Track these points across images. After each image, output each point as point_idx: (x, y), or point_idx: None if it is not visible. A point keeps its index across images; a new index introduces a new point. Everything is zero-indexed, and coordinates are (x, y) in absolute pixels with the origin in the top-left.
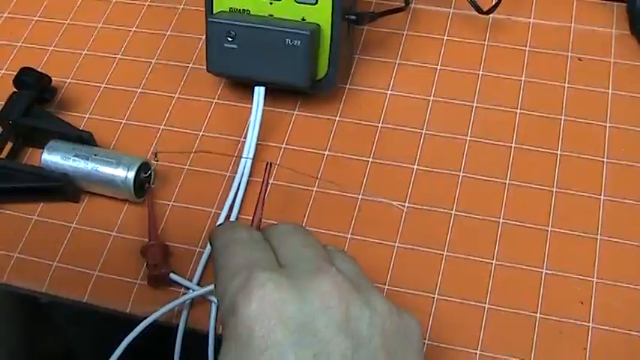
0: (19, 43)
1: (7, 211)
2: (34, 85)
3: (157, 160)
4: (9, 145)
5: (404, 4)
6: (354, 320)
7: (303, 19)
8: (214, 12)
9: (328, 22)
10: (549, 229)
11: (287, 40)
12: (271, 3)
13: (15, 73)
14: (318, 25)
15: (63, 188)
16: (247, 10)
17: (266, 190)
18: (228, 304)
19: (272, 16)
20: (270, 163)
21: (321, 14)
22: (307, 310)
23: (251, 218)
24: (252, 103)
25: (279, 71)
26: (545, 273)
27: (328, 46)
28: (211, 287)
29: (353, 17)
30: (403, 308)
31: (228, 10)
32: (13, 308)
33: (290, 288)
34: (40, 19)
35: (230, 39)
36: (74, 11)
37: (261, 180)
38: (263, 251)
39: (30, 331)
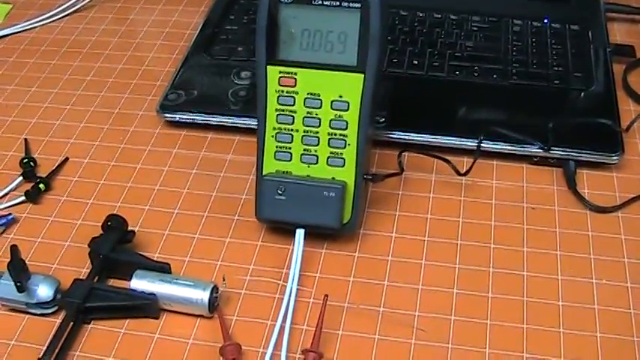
0: (90, 201)
1: (98, 327)
2: (119, 228)
3: (226, 283)
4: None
5: (399, 170)
6: None
7: (333, 178)
8: (264, 173)
9: (352, 180)
10: None
11: (325, 192)
12: (309, 166)
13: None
14: (345, 182)
15: (149, 306)
16: (289, 172)
17: (323, 315)
18: None
19: (309, 176)
20: (327, 296)
21: (347, 174)
22: None
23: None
24: (292, 243)
25: (317, 216)
26: None
27: (352, 198)
28: None
29: (369, 177)
30: None
31: (274, 171)
32: None
33: None
34: (105, 182)
35: (280, 192)
36: (134, 175)
37: (319, 310)
38: None
39: None
